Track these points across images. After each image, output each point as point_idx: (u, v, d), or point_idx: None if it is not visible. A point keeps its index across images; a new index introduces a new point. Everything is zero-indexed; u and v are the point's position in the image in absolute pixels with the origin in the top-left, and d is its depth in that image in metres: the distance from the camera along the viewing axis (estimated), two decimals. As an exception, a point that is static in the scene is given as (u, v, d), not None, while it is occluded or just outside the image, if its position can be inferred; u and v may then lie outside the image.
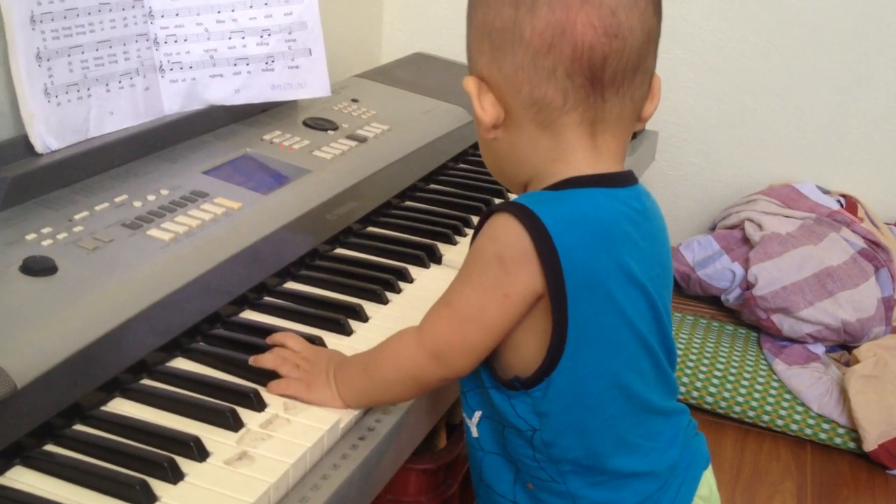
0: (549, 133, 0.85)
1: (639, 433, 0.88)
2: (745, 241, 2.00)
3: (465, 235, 1.31)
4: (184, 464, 0.79)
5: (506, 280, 0.81)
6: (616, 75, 0.82)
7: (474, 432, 0.93)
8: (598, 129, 0.85)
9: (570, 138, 0.85)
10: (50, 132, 1.16)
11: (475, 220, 1.35)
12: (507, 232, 0.82)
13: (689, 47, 2.10)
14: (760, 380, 1.87)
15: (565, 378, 0.83)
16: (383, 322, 1.05)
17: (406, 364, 0.88)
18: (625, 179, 0.87)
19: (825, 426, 1.81)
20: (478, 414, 0.92)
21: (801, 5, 2.04)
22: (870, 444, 1.73)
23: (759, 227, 1.97)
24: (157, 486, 0.76)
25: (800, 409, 1.83)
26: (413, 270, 1.18)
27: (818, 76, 2.09)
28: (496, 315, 0.83)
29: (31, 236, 1.00)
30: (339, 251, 1.22)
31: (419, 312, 0.90)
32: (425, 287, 1.14)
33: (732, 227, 2.06)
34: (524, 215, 0.81)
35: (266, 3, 1.34)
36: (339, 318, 1.03)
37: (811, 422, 1.82)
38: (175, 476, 0.77)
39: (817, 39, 2.05)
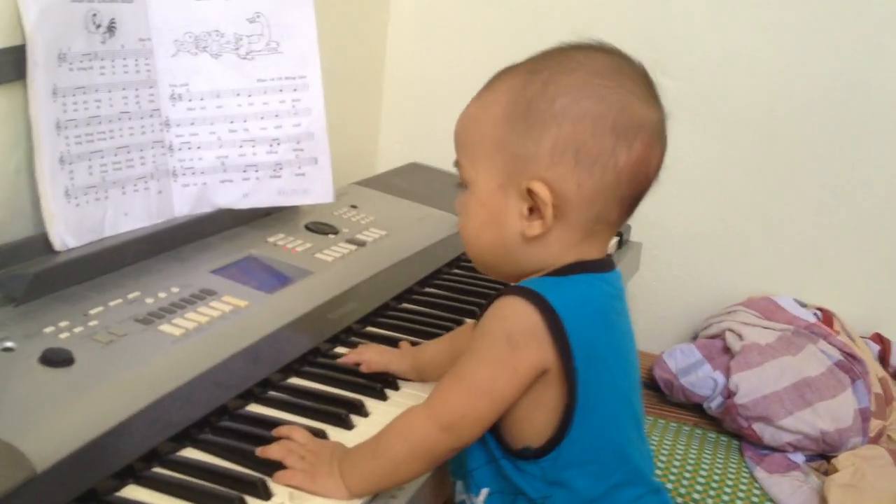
0: (588, 239, 0.95)
1: None
2: (727, 350, 2.06)
3: (459, 337, 1.36)
4: (195, 549, 0.83)
5: (515, 355, 0.88)
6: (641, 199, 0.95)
7: None
8: (611, 233, 0.96)
9: (599, 242, 0.95)
10: (69, 231, 1.21)
11: (469, 322, 1.41)
12: (515, 312, 0.89)
13: (674, 164, 2.18)
14: (742, 487, 1.91)
15: (574, 447, 0.89)
16: (384, 417, 1.09)
17: (418, 439, 0.92)
18: (609, 265, 0.96)
19: (806, 535, 1.84)
20: (485, 491, 0.96)
21: (783, 129, 2.14)
22: (849, 554, 1.76)
23: (740, 337, 2.04)
24: (170, 570, 0.80)
25: (781, 517, 1.86)
26: (411, 370, 1.23)
27: (797, 195, 2.18)
28: (505, 388, 0.89)
29: (49, 329, 1.05)
30: (340, 349, 1.27)
31: (419, 408, 0.95)
32: (423, 385, 1.19)
33: (714, 337, 2.12)
34: (533, 298, 0.89)
35: (277, 115, 1.43)
36: (341, 413, 1.08)
37: (792, 530, 1.84)
38: (186, 561, 0.81)
39: (797, 160, 2.15)
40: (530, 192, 0.92)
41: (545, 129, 0.91)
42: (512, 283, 0.98)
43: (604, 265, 0.97)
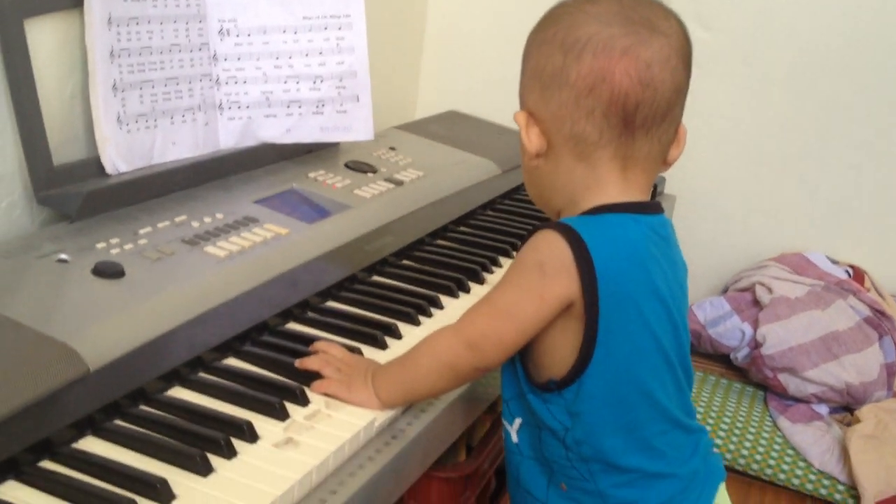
0: (584, 164, 0.96)
1: (663, 442, 0.97)
2: (756, 303, 2.09)
3: (492, 273, 1.40)
4: (237, 444, 0.88)
5: (543, 284, 0.92)
6: (646, 119, 0.94)
7: (514, 438, 1.02)
8: (628, 164, 0.96)
9: (604, 170, 0.96)
10: (119, 156, 1.27)
11: (502, 259, 1.45)
12: (549, 244, 0.93)
13: (708, 120, 2.21)
14: (765, 435, 1.94)
15: (595, 380, 0.93)
16: (415, 341, 1.11)
17: (442, 353, 0.97)
18: (651, 208, 0.98)
19: (825, 483, 1.87)
20: (518, 420, 1.01)
21: (820, 85, 2.15)
22: (868, 502, 1.79)
23: (769, 290, 2.06)
24: (214, 460, 0.85)
25: (802, 465, 1.89)
26: (444, 299, 1.27)
27: (831, 152, 2.19)
28: (530, 314, 0.93)
29: (101, 245, 1.11)
30: (376, 278, 1.32)
31: (450, 333, 1.00)
32: (455, 314, 1.22)
33: (744, 290, 2.15)
34: (566, 232, 0.92)
35: (321, 53, 1.47)
36: (376, 334, 1.13)
37: (812, 478, 1.88)
38: (230, 452, 0.86)
39: (832, 117, 2.16)
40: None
41: (524, 67, 1.00)
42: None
43: (642, 207, 0.98)
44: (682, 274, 1.03)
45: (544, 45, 0.96)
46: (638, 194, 0.98)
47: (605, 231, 0.94)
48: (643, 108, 0.93)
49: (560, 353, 0.95)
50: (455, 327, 0.98)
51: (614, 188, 0.96)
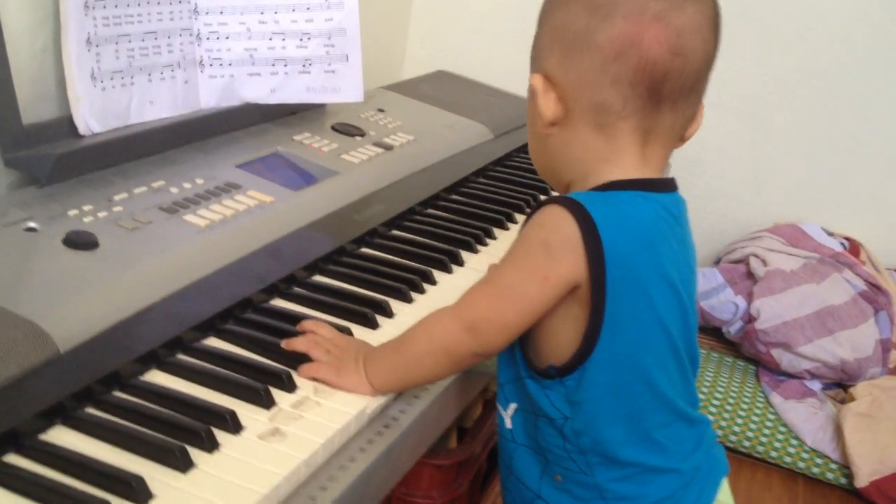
0: (603, 135, 0.89)
1: (665, 434, 0.92)
2: (750, 275, 2.04)
3: (486, 245, 1.34)
4: (219, 435, 0.82)
5: (548, 263, 0.86)
6: (674, 91, 0.87)
7: (508, 424, 0.97)
8: (649, 139, 0.89)
9: (623, 142, 0.89)
10: (93, 115, 1.19)
11: (496, 231, 1.39)
12: (555, 220, 0.86)
13: (708, 86, 2.14)
14: (757, 412, 1.90)
15: (598, 368, 0.87)
16: (408, 319, 1.07)
17: (440, 336, 0.91)
18: (665, 185, 0.91)
19: (818, 461, 1.84)
20: (513, 406, 0.95)
21: (820, 55, 2.10)
22: (861, 481, 1.76)
23: (764, 262, 2.01)
24: (194, 453, 0.79)
25: (794, 442, 1.86)
26: (436, 274, 1.21)
27: (830, 123, 2.14)
28: (534, 295, 0.87)
29: (73, 212, 1.04)
30: (366, 251, 1.25)
31: (445, 311, 0.93)
32: (448, 290, 1.17)
33: (737, 262, 2.10)
34: (574, 208, 0.85)
35: (308, 8, 1.38)
36: (367, 312, 1.06)
37: (805, 456, 1.85)
38: (211, 445, 0.80)
39: (832, 89, 2.11)
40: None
41: (542, 27, 0.94)
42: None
43: (654, 185, 0.91)
44: (692, 255, 0.97)
45: (569, 5, 0.89)
46: (654, 171, 0.91)
47: (615, 209, 0.88)
48: (671, 79, 0.86)
49: (563, 338, 0.89)
50: (453, 309, 0.92)
51: (631, 163, 0.90)
